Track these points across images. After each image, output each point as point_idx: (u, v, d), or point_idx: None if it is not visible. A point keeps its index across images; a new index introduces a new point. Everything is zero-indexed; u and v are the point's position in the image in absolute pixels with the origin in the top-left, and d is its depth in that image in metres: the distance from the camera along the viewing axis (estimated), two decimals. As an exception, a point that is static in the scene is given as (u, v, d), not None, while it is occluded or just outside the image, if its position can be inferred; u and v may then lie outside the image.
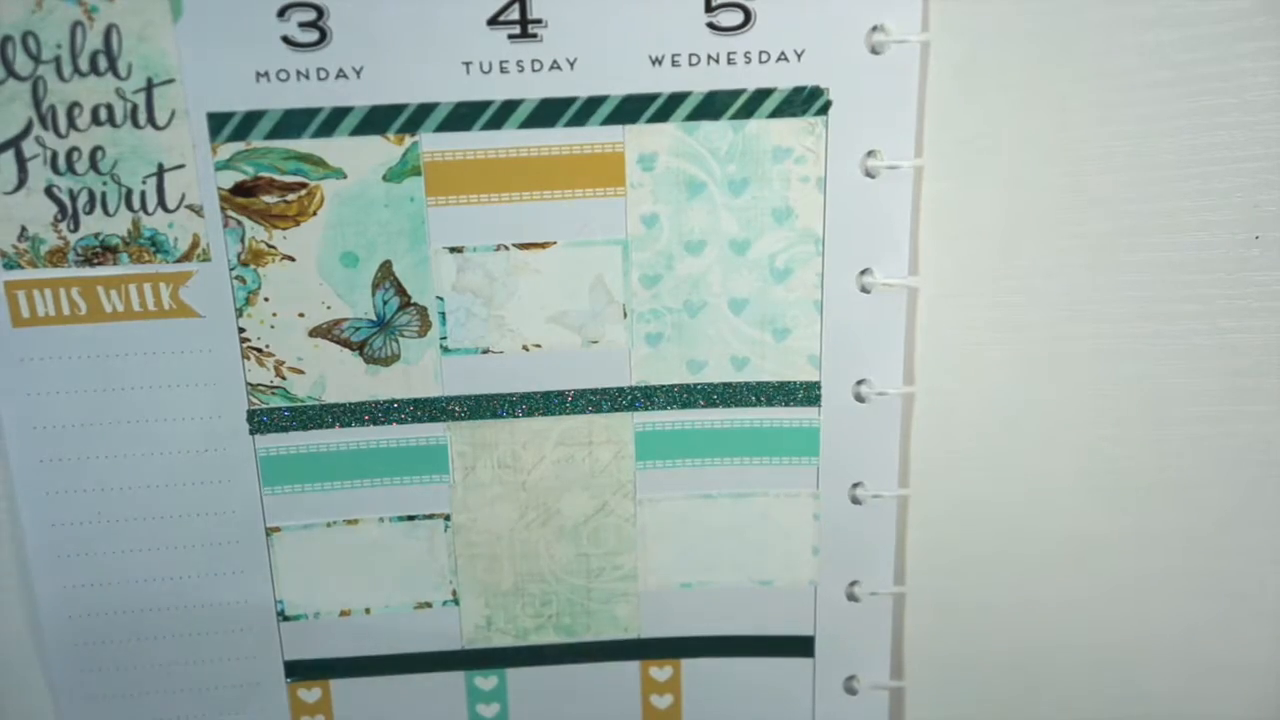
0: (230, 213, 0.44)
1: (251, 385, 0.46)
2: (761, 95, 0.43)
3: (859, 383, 0.47)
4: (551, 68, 0.43)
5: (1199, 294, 0.47)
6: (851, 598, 0.50)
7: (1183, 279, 0.47)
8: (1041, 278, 0.47)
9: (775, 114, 0.44)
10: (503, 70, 0.43)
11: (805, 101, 0.43)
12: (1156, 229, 0.46)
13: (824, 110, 0.44)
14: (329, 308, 0.46)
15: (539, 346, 0.47)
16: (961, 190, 0.45)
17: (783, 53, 0.43)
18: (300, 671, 0.50)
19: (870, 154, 0.44)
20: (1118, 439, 0.49)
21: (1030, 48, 0.44)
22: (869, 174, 0.44)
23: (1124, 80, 0.44)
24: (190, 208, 0.44)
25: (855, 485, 0.49)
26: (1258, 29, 0.43)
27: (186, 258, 0.44)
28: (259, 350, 0.46)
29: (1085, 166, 0.45)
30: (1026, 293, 0.47)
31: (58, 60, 0.41)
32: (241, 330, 0.46)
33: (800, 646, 0.51)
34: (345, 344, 0.46)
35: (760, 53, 0.43)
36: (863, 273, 0.46)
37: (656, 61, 0.43)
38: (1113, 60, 0.44)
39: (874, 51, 0.43)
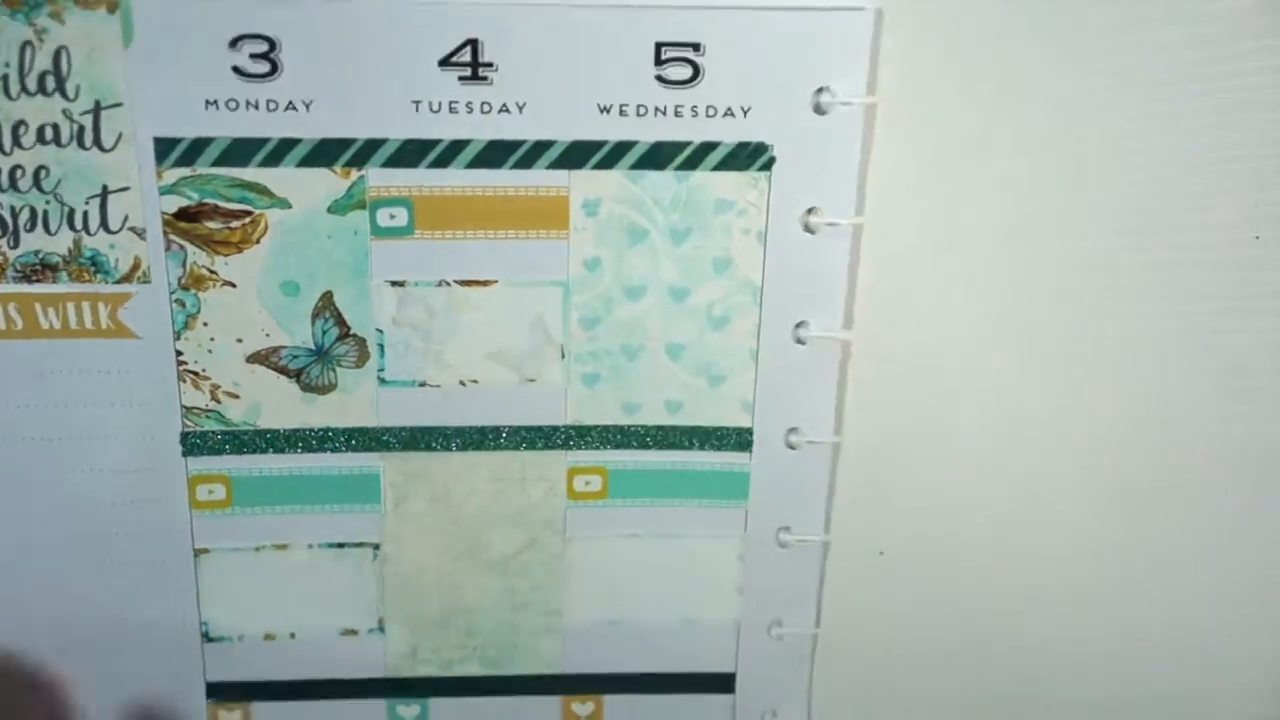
0: (173, 237, 0.44)
1: (186, 408, 0.46)
2: (707, 148, 0.44)
3: (790, 430, 0.48)
4: (500, 110, 0.43)
5: (1199, 294, 0.47)
6: (773, 637, 0.51)
7: (1183, 279, 0.47)
8: (989, 328, 0.47)
9: (719, 167, 0.44)
10: (452, 110, 0.43)
11: (749, 157, 0.44)
12: (1156, 229, 0.46)
13: (767, 166, 0.44)
14: (268, 335, 0.46)
15: (476, 382, 0.47)
16: (901, 245, 0.46)
17: (729, 108, 0.43)
18: (222, 693, 0.50)
19: (811, 210, 0.45)
20: (1109, 455, 0.49)
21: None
22: (809, 229, 0.45)
23: (1122, 80, 0.44)
24: (133, 230, 0.44)
25: (782, 529, 0.49)
26: (1258, 29, 0.43)
27: (127, 279, 0.44)
28: (195, 374, 0.46)
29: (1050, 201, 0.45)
30: (960, 353, 0.48)
31: (5, 79, 0.41)
32: (179, 353, 0.45)
33: (721, 683, 0.52)
34: (282, 371, 0.46)
35: (707, 107, 0.43)
36: (798, 325, 0.47)
37: (605, 110, 0.43)
38: (1112, 60, 0.44)
39: (819, 112, 0.43)
